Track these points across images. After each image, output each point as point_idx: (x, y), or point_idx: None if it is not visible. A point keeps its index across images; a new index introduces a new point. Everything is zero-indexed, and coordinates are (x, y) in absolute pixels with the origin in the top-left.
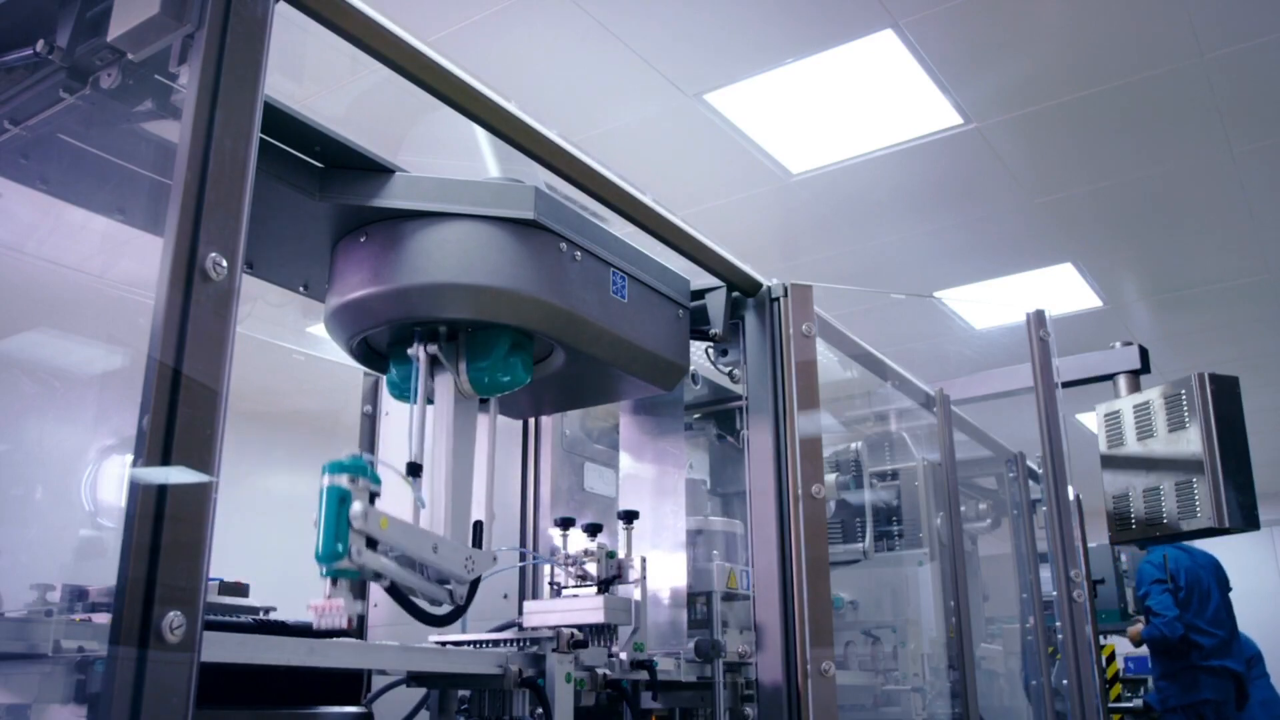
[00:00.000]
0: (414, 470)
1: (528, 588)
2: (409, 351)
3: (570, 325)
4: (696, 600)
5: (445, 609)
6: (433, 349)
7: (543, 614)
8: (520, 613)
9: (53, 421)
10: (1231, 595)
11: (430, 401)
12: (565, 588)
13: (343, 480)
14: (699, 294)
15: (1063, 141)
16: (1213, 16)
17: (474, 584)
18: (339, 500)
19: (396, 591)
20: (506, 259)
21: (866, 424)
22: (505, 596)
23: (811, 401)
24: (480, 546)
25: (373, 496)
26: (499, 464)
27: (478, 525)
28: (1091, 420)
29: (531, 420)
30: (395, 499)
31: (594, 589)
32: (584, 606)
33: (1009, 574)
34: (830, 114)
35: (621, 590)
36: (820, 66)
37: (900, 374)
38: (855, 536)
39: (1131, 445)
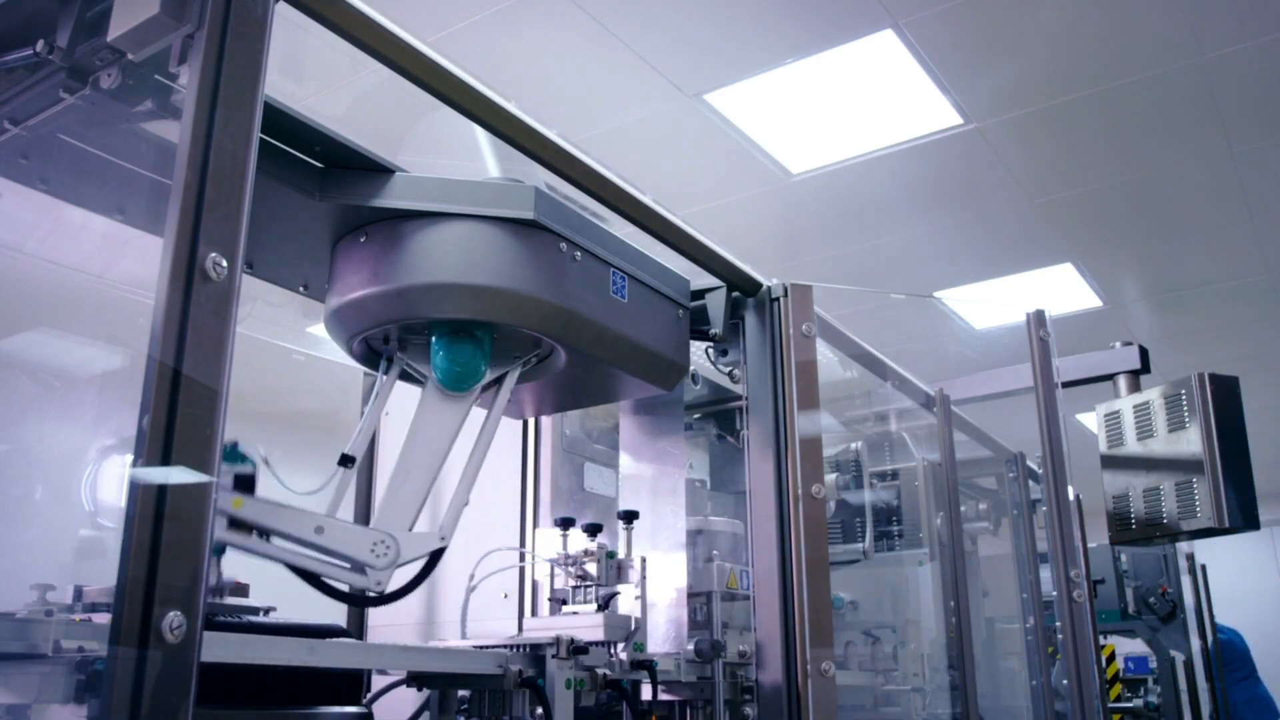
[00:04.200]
0: (344, 461)
1: (527, 588)
2: (384, 355)
3: (570, 325)
4: (696, 600)
5: (370, 593)
6: (397, 351)
7: (542, 631)
8: (520, 628)
9: (53, 421)
10: (1231, 595)
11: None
12: (565, 601)
13: None
14: (699, 294)
15: (1063, 141)
16: (1213, 16)
17: (426, 568)
18: None
19: (296, 569)
20: (506, 259)
21: (866, 424)
22: (505, 596)
23: (811, 401)
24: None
25: (240, 479)
26: (498, 464)
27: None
28: (1091, 420)
29: (531, 420)
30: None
31: (593, 601)
32: (583, 624)
33: (1009, 574)
34: (830, 114)
35: (621, 593)
36: (820, 66)
37: (900, 374)
38: (855, 536)
39: (1131, 445)
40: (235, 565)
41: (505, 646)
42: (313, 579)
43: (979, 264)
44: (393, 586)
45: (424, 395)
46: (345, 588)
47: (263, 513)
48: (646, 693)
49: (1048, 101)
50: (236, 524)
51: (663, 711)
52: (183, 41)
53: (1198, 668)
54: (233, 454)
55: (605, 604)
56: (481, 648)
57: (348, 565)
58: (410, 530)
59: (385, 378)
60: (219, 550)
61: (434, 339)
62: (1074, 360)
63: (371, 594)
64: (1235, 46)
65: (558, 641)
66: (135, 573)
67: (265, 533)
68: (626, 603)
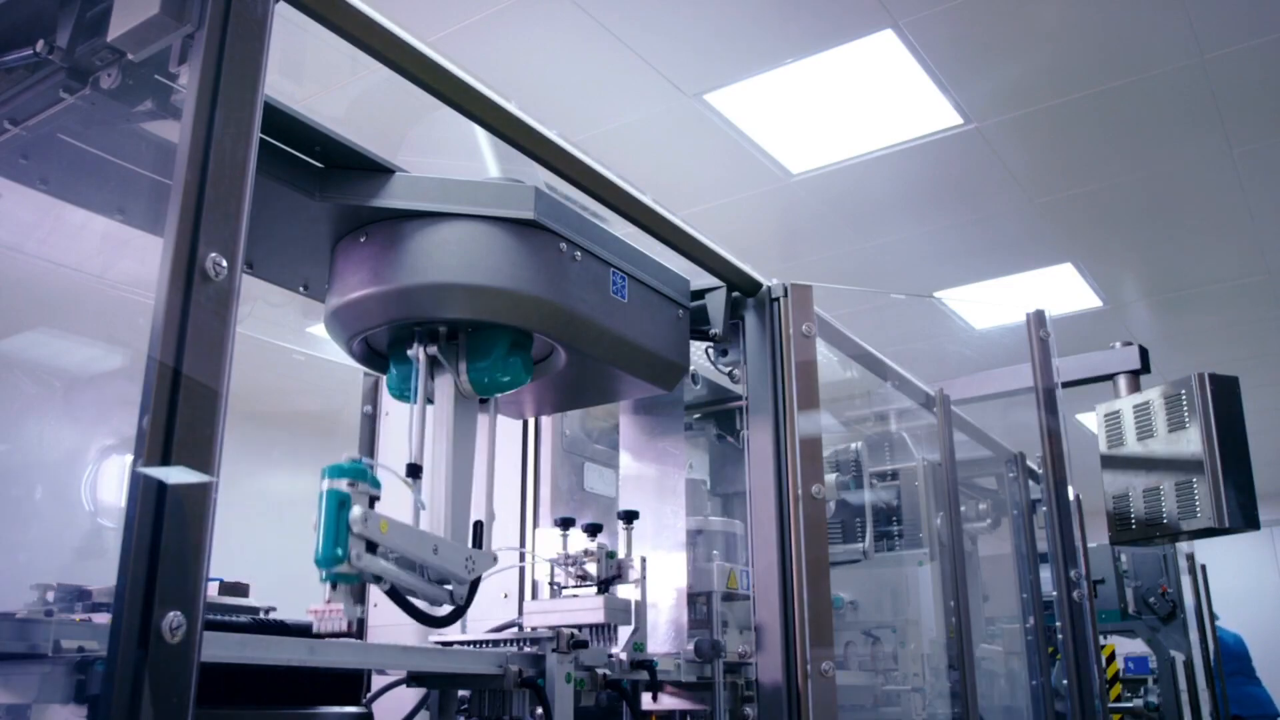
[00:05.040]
0: (413, 472)
1: (528, 587)
2: (409, 352)
3: (570, 325)
4: (696, 600)
5: (445, 609)
6: (432, 350)
7: (543, 614)
8: (520, 613)
9: (53, 421)
10: (1231, 595)
11: (430, 402)
12: (565, 588)
13: (342, 484)
14: (699, 294)
15: (1063, 141)
16: (1213, 16)
17: (474, 584)
18: (338, 504)
19: (396, 594)
20: (506, 259)
21: (866, 424)
22: (505, 596)
23: (811, 401)
24: (480, 546)
25: (372, 500)
26: (498, 464)
27: (478, 525)
28: (1091, 420)
29: (531, 420)
30: (394, 500)
31: (594, 589)
32: (584, 607)
33: (1009, 574)
34: (830, 114)
35: (621, 590)
36: (820, 66)
37: (900, 374)
38: (855, 536)
39: (1131, 445)
40: (236, 567)
41: (505, 642)
42: (403, 601)
43: (979, 264)
44: None
45: (454, 401)
46: (429, 608)
47: (402, 537)
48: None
49: (1048, 101)
50: (371, 547)
51: (663, 712)
52: (183, 41)
53: (1198, 668)
54: (363, 472)
55: (605, 588)
56: (481, 643)
57: (432, 582)
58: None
59: (421, 379)
60: (360, 580)
61: (492, 347)
62: (1074, 360)
63: (448, 610)
64: (1235, 46)
65: (558, 635)
66: (135, 573)
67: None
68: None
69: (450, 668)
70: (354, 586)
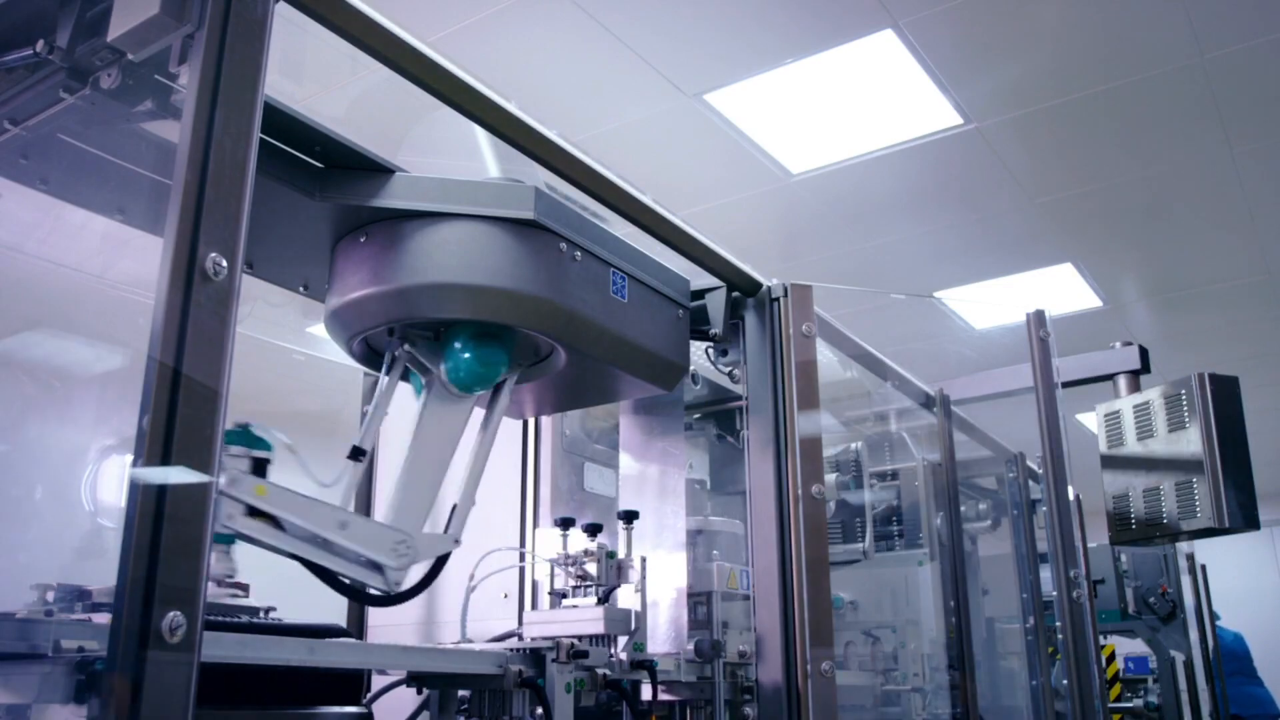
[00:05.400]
0: (354, 454)
1: (527, 588)
2: (392, 349)
3: (570, 325)
4: (696, 600)
5: (380, 591)
6: (408, 348)
7: (542, 625)
8: (520, 622)
9: (53, 421)
10: (1231, 595)
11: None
12: (565, 596)
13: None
14: (699, 294)
15: (1063, 141)
16: (1212, 16)
17: (436, 565)
18: None
19: (311, 565)
20: (507, 259)
21: (866, 424)
22: (505, 596)
23: (811, 401)
24: (448, 530)
25: (259, 464)
26: (498, 464)
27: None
28: (1091, 420)
29: (531, 420)
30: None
31: (593, 596)
32: (584, 618)
33: (1009, 574)
34: (830, 114)
35: (621, 593)
36: (820, 66)
37: (900, 374)
38: (855, 536)
39: (1131, 445)
40: (239, 564)
41: (505, 646)
42: (325, 574)
43: (979, 264)
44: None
45: (429, 395)
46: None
47: (287, 503)
48: (646, 693)
49: (1048, 101)
50: (254, 513)
51: (662, 711)
52: (183, 41)
53: (1198, 668)
54: (247, 437)
55: (605, 598)
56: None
57: (360, 563)
58: (420, 530)
59: (388, 377)
60: (230, 540)
61: (458, 340)
62: (1074, 360)
63: (382, 593)
64: (1235, 46)
65: (557, 645)
66: (135, 573)
67: (280, 524)
68: (626, 602)
69: (450, 668)
70: (225, 546)
